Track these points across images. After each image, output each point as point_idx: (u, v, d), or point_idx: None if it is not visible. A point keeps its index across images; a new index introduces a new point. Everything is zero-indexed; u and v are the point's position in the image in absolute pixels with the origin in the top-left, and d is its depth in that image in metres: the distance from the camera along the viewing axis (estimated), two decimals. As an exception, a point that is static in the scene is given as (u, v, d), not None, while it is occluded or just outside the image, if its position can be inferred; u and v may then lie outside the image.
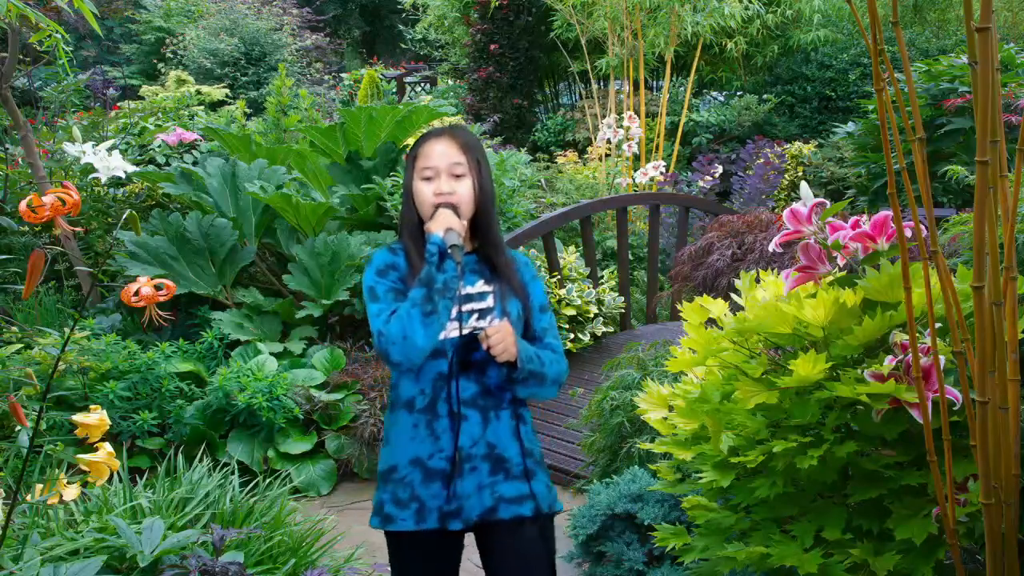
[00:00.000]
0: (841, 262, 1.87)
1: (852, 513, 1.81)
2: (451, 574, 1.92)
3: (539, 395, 1.86)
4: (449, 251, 1.73)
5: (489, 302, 1.84)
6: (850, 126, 6.54)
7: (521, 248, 5.01)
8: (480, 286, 1.85)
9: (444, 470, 1.79)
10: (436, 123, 5.81)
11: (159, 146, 5.72)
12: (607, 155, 8.07)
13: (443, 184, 1.81)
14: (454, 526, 1.79)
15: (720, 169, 8.01)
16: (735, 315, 1.88)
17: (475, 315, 1.82)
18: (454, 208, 1.80)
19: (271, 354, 4.20)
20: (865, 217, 1.84)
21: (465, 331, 1.81)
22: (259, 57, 11.19)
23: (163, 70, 11.61)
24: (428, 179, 1.83)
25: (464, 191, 1.83)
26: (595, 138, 8.34)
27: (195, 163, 5.39)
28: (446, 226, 1.76)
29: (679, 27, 8.47)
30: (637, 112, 8.55)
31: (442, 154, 1.83)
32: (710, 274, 4.02)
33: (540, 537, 1.86)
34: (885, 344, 1.75)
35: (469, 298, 1.83)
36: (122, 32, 14.26)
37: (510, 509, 1.80)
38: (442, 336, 1.78)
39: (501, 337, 1.75)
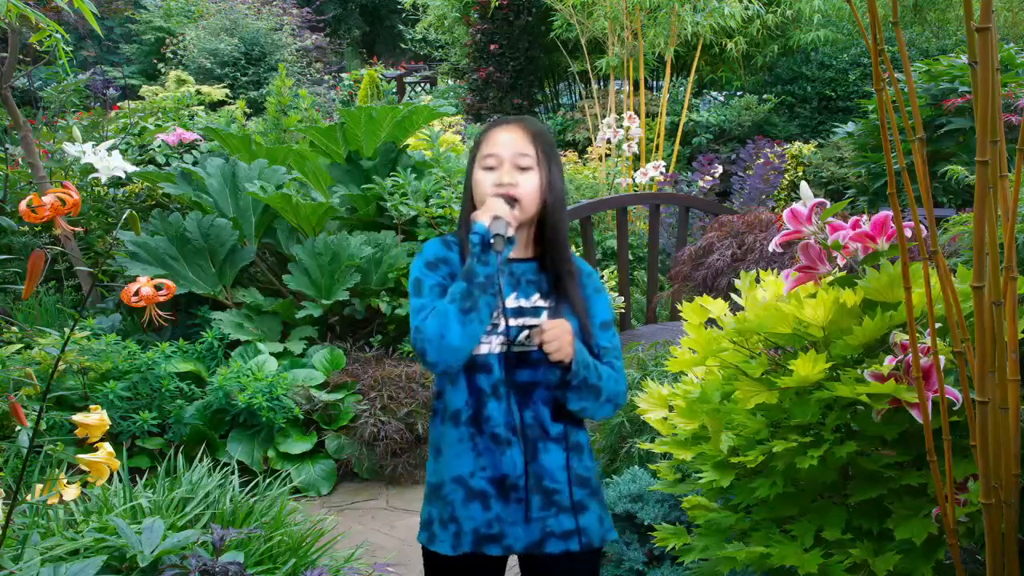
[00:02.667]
0: (841, 262, 1.87)
1: (852, 513, 1.81)
2: None
3: (591, 412, 1.70)
4: (492, 240, 1.57)
5: (543, 318, 1.68)
6: (850, 126, 6.54)
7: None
8: (535, 300, 1.71)
9: (485, 491, 1.66)
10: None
11: (159, 146, 5.72)
12: (607, 155, 8.07)
13: (505, 175, 1.66)
14: (492, 551, 1.67)
15: (720, 169, 8.00)
16: (735, 315, 1.88)
17: (524, 331, 1.66)
18: (512, 200, 1.65)
19: (271, 354, 4.20)
20: (865, 217, 1.84)
21: (514, 348, 1.67)
22: (259, 57, 11.19)
23: (163, 70, 11.62)
24: (490, 168, 1.68)
25: (529, 185, 1.67)
26: (595, 138, 8.34)
27: (195, 163, 5.39)
28: (493, 214, 1.60)
29: (679, 27, 8.47)
30: (637, 112, 8.55)
31: (508, 143, 1.68)
32: (710, 274, 4.02)
33: (587, 571, 1.75)
34: (885, 344, 1.75)
35: (521, 312, 1.69)
36: (122, 32, 14.27)
37: (558, 544, 1.67)
38: (486, 351, 1.66)
39: (557, 333, 1.59)
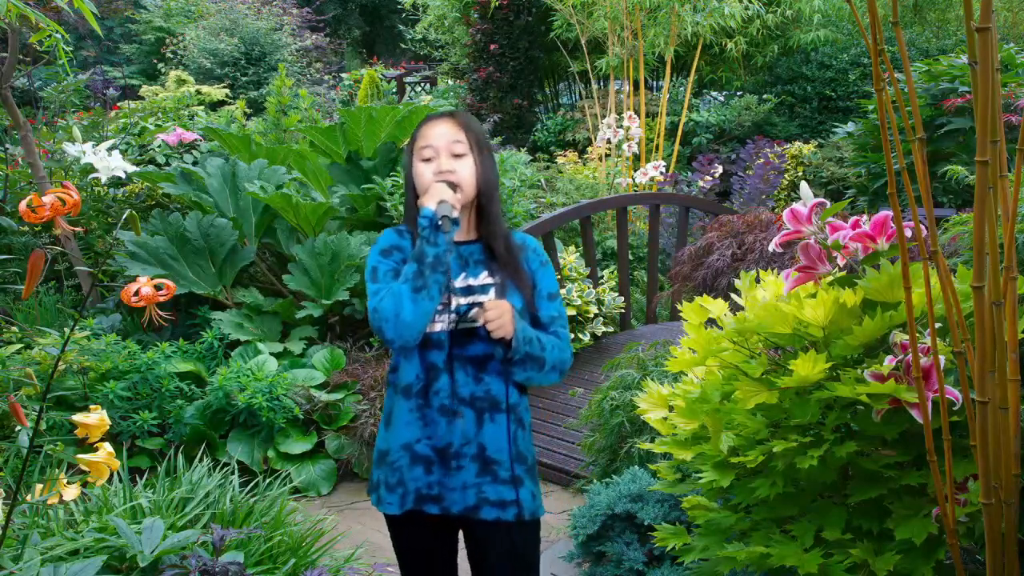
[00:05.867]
0: (841, 262, 1.87)
1: (852, 513, 1.81)
2: (444, 557, 1.94)
3: (537, 380, 1.82)
4: (440, 222, 1.70)
5: (490, 295, 1.80)
6: (850, 126, 6.54)
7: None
8: (483, 278, 1.82)
9: (428, 456, 1.80)
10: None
11: (159, 146, 5.72)
12: (607, 155, 8.07)
13: (443, 163, 1.79)
14: (431, 509, 1.82)
15: (720, 169, 8.01)
16: (735, 315, 1.88)
17: (474, 309, 1.78)
18: (453, 185, 1.77)
19: (271, 354, 4.20)
20: (865, 217, 1.84)
21: (462, 325, 1.78)
22: (259, 57, 11.19)
23: (163, 70, 11.62)
24: (428, 160, 1.80)
25: (465, 170, 1.79)
26: (595, 138, 8.34)
27: (195, 163, 5.39)
28: (439, 198, 1.73)
29: (679, 27, 8.47)
30: (637, 112, 8.55)
31: (441, 134, 1.80)
32: (710, 274, 4.01)
33: (522, 543, 1.87)
34: (885, 344, 1.75)
35: (471, 290, 1.80)
36: (122, 32, 14.27)
37: (492, 512, 1.81)
38: (439, 328, 1.77)
39: (499, 312, 1.71)
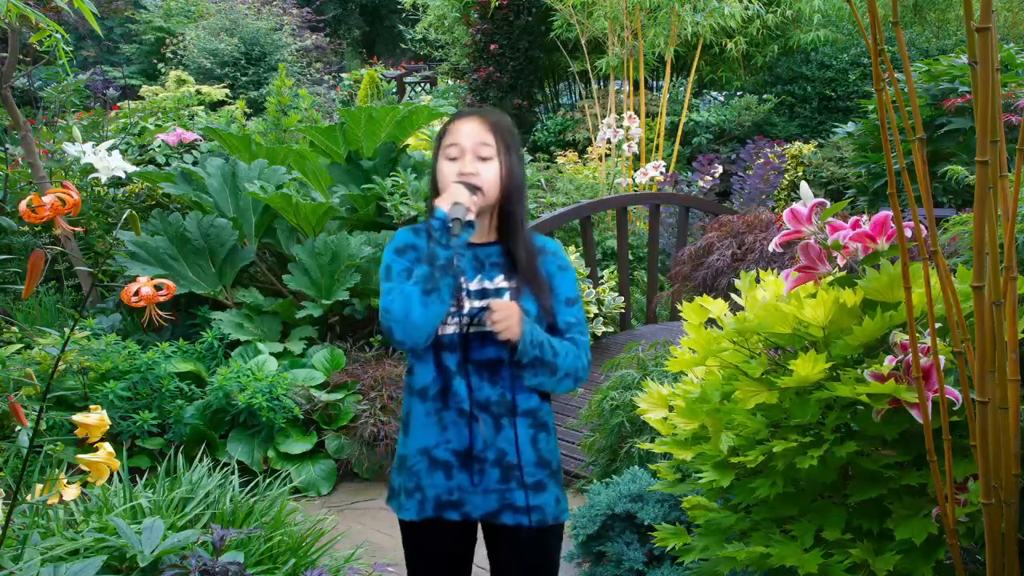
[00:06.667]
0: (841, 262, 1.87)
1: (852, 513, 1.81)
2: (460, 560, 1.91)
3: (549, 387, 1.79)
4: (450, 224, 1.66)
5: (505, 299, 1.76)
6: (850, 126, 6.54)
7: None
8: (499, 281, 1.79)
9: (448, 461, 1.77)
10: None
11: (159, 146, 5.72)
12: (607, 155, 8.07)
13: (467, 164, 1.74)
14: (451, 516, 1.79)
15: (720, 169, 8.01)
16: (735, 315, 1.88)
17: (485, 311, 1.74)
18: (473, 188, 1.73)
19: (271, 354, 4.20)
20: (865, 217, 1.84)
21: (473, 328, 1.75)
22: (259, 57, 11.19)
23: (163, 70, 11.63)
24: (453, 158, 1.76)
25: (489, 174, 1.75)
26: (595, 138, 8.34)
27: (195, 163, 5.39)
28: (453, 200, 1.69)
29: (679, 27, 8.47)
30: (637, 112, 8.55)
31: (469, 133, 1.76)
32: (710, 274, 4.01)
33: (543, 547, 1.85)
34: (885, 344, 1.75)
35: (485, 293, 1.77)
36: (122, 32, 14.27)
37: (515, 517, 1.78)
38: (452, 330, 1.75)
39: (506, 313, 1.68)
